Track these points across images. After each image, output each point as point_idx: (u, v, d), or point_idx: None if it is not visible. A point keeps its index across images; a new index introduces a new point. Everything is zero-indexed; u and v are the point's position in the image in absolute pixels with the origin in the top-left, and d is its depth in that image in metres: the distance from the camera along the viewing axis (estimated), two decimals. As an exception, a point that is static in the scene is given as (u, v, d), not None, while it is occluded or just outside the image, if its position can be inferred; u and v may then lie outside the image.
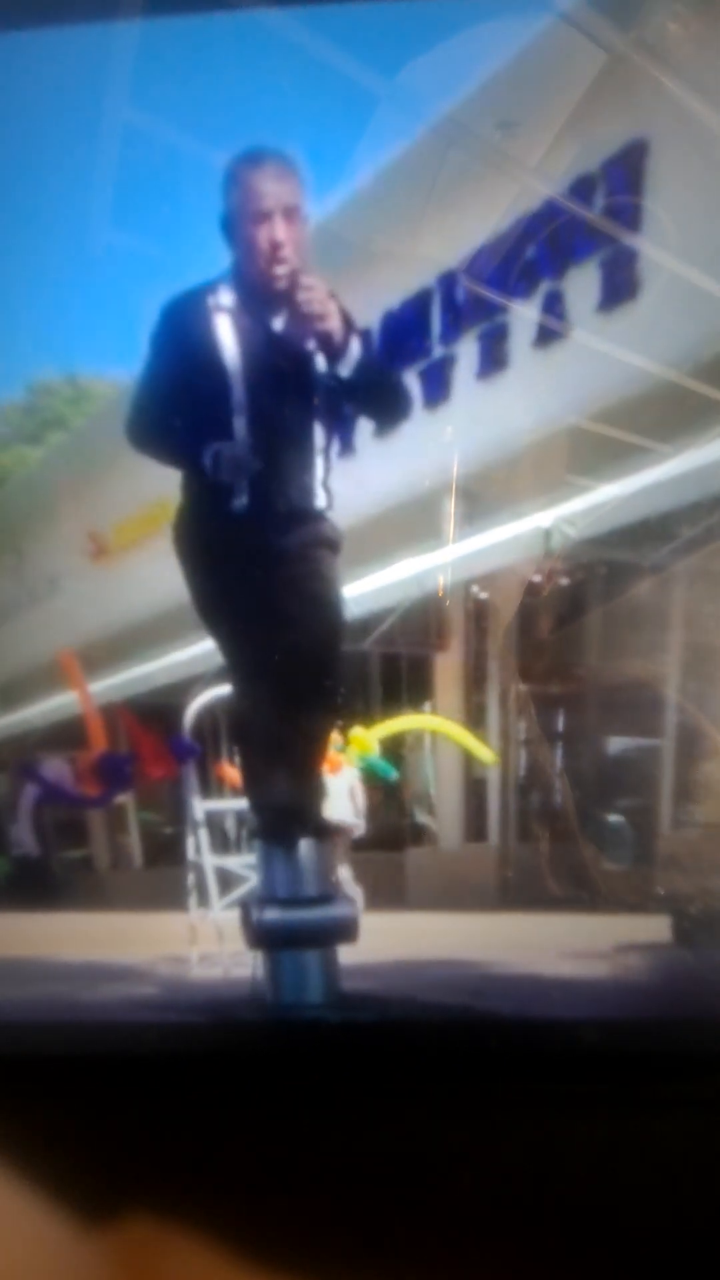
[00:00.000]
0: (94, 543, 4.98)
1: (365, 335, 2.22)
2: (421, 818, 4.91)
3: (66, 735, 3.81)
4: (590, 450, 3.38)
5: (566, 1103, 1.37)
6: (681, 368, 3.18)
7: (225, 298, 2.12)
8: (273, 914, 2.11)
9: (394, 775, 3.61)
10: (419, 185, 2.71)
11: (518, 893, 3.83)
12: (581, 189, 3.43)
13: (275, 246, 2.07)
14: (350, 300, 2.16)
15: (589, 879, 2.67)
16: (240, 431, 2.12)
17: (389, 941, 2.37)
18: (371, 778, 3.34)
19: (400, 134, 2.74)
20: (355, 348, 2.12)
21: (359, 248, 2.91)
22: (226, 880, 3.06)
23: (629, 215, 3.57)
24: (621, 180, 3.49)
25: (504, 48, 2.61)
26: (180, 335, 2.13)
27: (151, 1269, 1.35)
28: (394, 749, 3.61)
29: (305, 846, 2.13)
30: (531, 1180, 1.33)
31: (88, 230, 2.46)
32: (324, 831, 2.17)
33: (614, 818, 4.12)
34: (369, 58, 2.17)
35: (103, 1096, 1.41)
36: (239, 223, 2.09)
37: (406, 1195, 1.34)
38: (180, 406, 2.15)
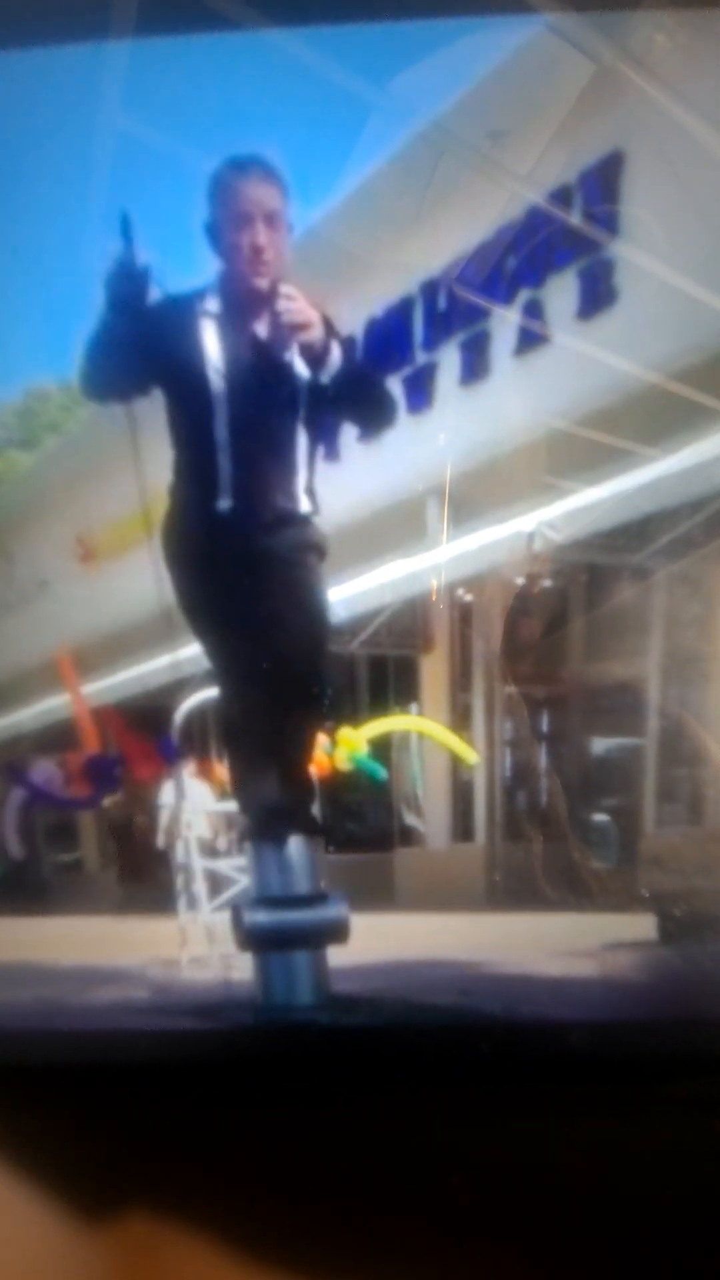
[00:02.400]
0: (82, 546, 4.98)
1: (350, 342, 2.23)
2: (409, 818, 4.92)
3: (55, 738, 3.81)
4: (571, 455, 3.40)
5: (557, 1104, 1.39)
6: (659, 374, 3.20)
7: (209, 304, 2.14)
8: (262, 915, 2.12)
9: (383, 775, 3.62)
10: (411, 193, 2.72)
11: (505, 892, 3.84)
12: (564, 197, 3.46)
13: (256, 251, 2.09)
14: (341, 307, 2.18)
15: (576, 879, 2.69)
16: (222, 435, 2.14)
17: (378, 942, 2.38)
18: (361, 778, 3.35)
19: (392, 143, 2.76)
20: (337, 355, 2.13)
21: (352, 255, 2.92)
22: (216, 883, 3.07)
23: (611, 223, 3.59)
24: (603, 189, 3.52)
25: (494, 58, 2.62)
26: (163, 339, 2.14)
27: (148, 1272, 1.36)
28: (381, 750, 3.62)
29: (294, 848, 2.15)
30: (523, 1181, 1.35)
31: (84, 238, 2.47)
32: (313, 832, 2.19)
33: (599, 818, 4.15)
34: (362, 68, 2.19)
35: (94, 1102, 1.42)
36: (222, 229, 2.11)
37: (399, 1196, 1.35)
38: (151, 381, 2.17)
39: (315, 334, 2.10)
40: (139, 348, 2.13)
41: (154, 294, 2.09)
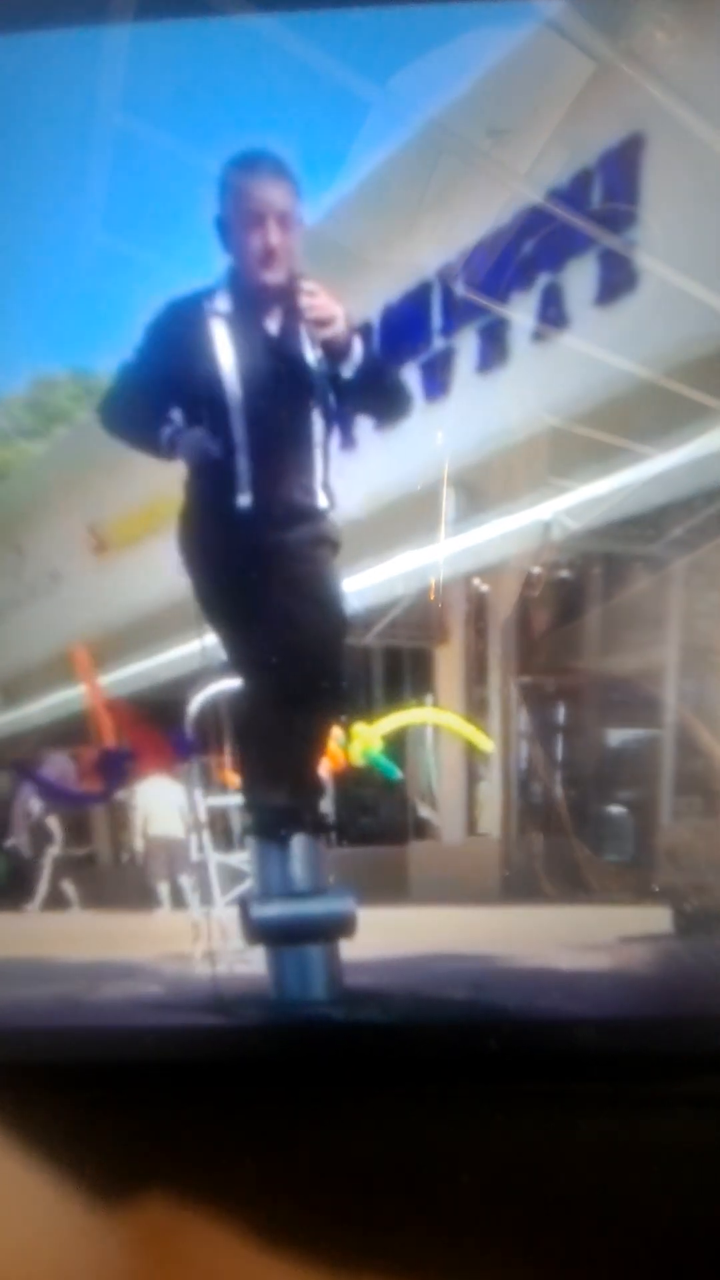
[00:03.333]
0: (94, 537, 4.98)
1: (365, 330, 2.22)
2: (424, 812, 4.91)
3: (67, 732, 3.82)
4: (590, 444, 3.38)
5: (568, 1101, 1.38)
6: (679, 361, 3.18)
7: (221, 302, 2.14)
8: (269, 910, 2.12)
9: (398, 775, 3.61)
10: (412, 191, 2.71)
11: (520, 886, 3.83)
12: (575, 190, 3.44)
13: (269, 251, 2.08)
14: (346, 302, 2.17)
15: (589, 873, 2.68)
16: (240, 433, 2.13)
17: (392, 936, 2.38)
18: (376, 772, 3.34)
19: (392, 140, 2.75)
20: (358, 348, 2.13)
21: (353, 252, 2.91)
22: (230, 877, 3.06)
23: (620, 217, 3.57)
24: (614, 183, 3.49)
25: (495, 55, 2.61)
26: (177, 339, 2.14)
27: (158, 1262, 1.36)
28: (396, 743, 3.62)
29: (301, 843, 2.14)
30: (533, 1177, 1.34)
31: (80, 233, 2.47)
32: (321, 829, 2.19)
33: (614, 811, 4.13)
34: (362, 65, 2.18)
35: (107, 1097, 1.42)
36: (234, 227, 2.10)
37: (409, 1190, 1.35)
38: (171, 404, 2.16)
39: (339, 328, 2.09)
40: (162, 374, 2.14)
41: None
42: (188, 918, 3.03)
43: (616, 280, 3.62)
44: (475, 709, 4.70)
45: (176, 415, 2.17)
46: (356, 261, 2.98)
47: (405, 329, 4.04)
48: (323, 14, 1.68)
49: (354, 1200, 1.36)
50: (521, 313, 3.85)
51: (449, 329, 4.10)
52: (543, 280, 3.78)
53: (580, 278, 3.74)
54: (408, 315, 4.03)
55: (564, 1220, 1.33)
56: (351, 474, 2.34)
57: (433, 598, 4.34)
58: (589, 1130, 1.36)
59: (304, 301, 2.07)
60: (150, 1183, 1.37)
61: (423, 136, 2.64)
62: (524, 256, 3.43)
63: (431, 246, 3.06)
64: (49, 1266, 1.39)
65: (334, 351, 2.12)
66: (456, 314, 4.01)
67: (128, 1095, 1.43)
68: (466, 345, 4.13)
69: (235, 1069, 1.47)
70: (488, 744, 4.55)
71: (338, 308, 2.09)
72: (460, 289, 3.69)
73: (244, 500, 2.14)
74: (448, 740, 4.76)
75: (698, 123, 2.41)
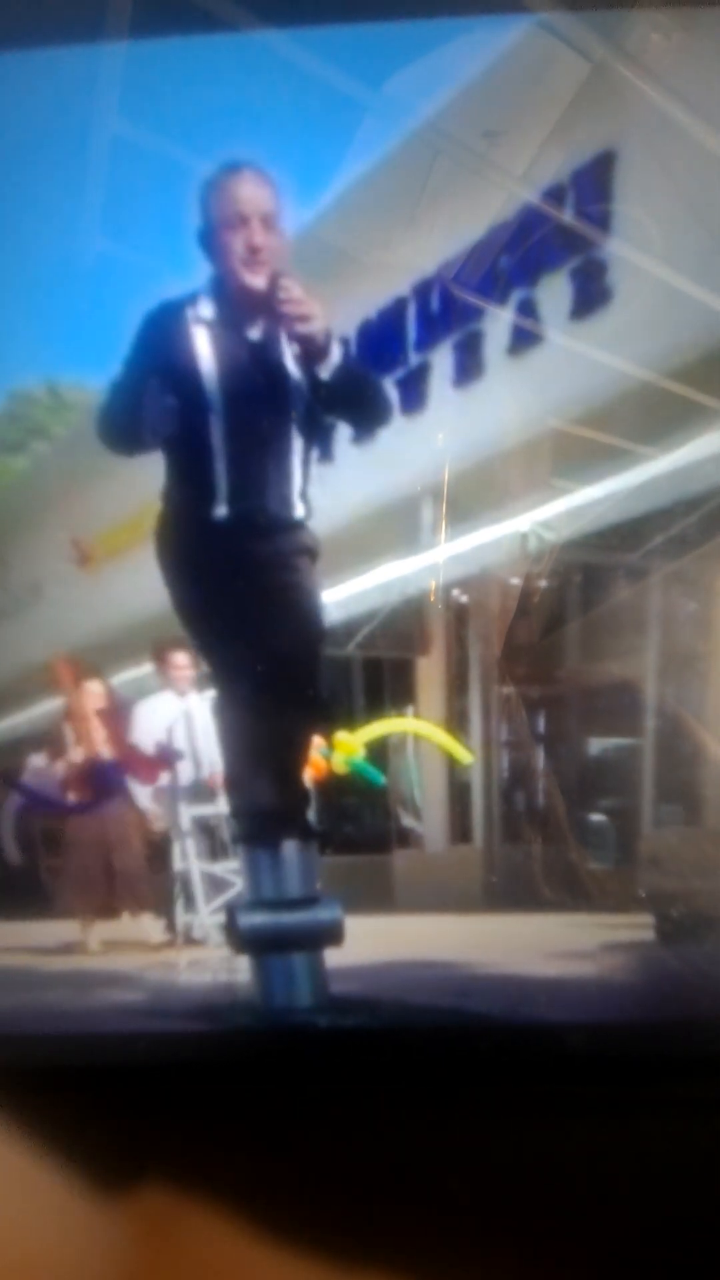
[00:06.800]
0: (77, 550, 4.96)
1: (345, 342, 2.23)
2: (407, 820, 4.92)
3: (52, 743, 3.80)
4: (565, 455, 3.40)
5: (556, 1105, 1.39)
6: (653, 372, 3.20)
7: (204, 309, 2.15)
8: (256, 918, 2.12)
9: (381, 780, 3.62)
10: (406, 194, 2.72)
11: (503, 894, 3.84)
12: (557, 196, 3.45)
13: (253, 252, 2.09)
14: (334, 308, 2.18)
15: (573, 880, 2.69)
16: (219, 443, 2.14)
17: (376, 944, 2.38)
18: (358, 781, 3.35)
19: (387, 144, 2.76)
20: (335, 351, 2.14)
21: (347, 256, 2.92)
22: (214, 885, 3.07)
23: (605, 223, 3.59)
24: (596, 188, 3.51)
25: (489, 58, 2.62)
26: (159, 346, 2.15)
27: (149, 1262, 1.36)
28: (378, 752, 3.62)
29: (289, 850, 2.15)
30: (522, 1182, 1.35)
31: (73, 240, 2.47)
32: (308, 835, 2.19)
33: (596, 819, 4.14)
34: (356, 70, 2.19)
35: (92, 1105, 1.42)
36: (216, 231, 2.11)
37: (398, 1198, 1.36)
38: (155, 413, 2.16)
39: (317, 325, 2.10)
40: (146, 382, 2.15)
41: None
42: (174, 925, 3.04)
43: (595, 290, 3.64)
44: (456, 719, 4.71)
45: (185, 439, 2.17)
46: (352, 266, 2.99)
47: (385, 341, 4.05)
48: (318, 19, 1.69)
49: (344, 1201, 1.37)
50: (504, 321, 3.87)
51: (425, 344, 4.11)
52: (519, 292, 3.80)
53: (561, 286, 3.76)
54: (386, 328, 4.04)
55: (553, 1222, 1.34)
56: (331, 486, 2.35)
57: (420, 605, 4.35)
58: (579, 1133, 1.37)
59: (281, 295, 2.09)
60: (135, 1188, 1.37)
61: (417, 139, 2.66)
62: (511, 262, 3.44)
63: (425, 250, 3.07)
64: (43, 1264, 1.39)
65: (311, 351, 2.13)
66: (435, 326, 4.02)
67: (110, 1102, 1.43)
68: (442, 360, 4.14)
69: (221, 1075, 1.48)
70: (468, 755, 4.56)
71: (314, 305, 2.10)
72: (447, 295, 3.70)
73: (221, 511, 2.15)
74: (429, 750, 4.76)
75: (693, 124, 2.43)
